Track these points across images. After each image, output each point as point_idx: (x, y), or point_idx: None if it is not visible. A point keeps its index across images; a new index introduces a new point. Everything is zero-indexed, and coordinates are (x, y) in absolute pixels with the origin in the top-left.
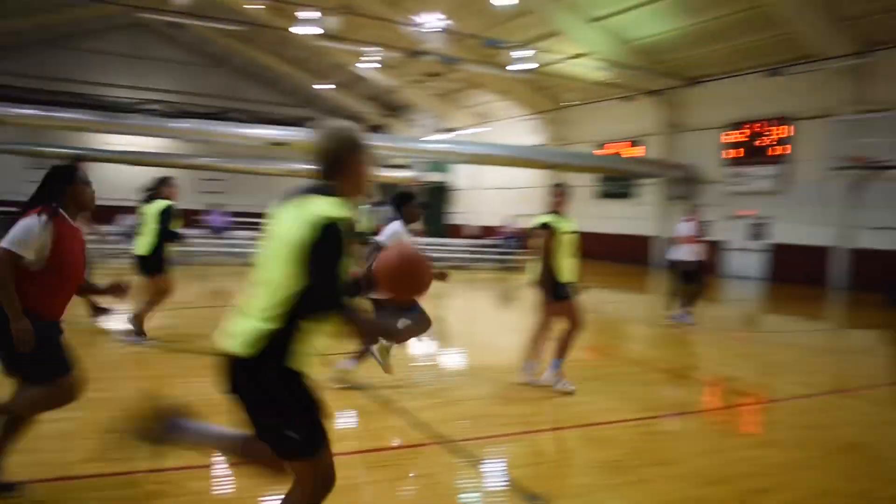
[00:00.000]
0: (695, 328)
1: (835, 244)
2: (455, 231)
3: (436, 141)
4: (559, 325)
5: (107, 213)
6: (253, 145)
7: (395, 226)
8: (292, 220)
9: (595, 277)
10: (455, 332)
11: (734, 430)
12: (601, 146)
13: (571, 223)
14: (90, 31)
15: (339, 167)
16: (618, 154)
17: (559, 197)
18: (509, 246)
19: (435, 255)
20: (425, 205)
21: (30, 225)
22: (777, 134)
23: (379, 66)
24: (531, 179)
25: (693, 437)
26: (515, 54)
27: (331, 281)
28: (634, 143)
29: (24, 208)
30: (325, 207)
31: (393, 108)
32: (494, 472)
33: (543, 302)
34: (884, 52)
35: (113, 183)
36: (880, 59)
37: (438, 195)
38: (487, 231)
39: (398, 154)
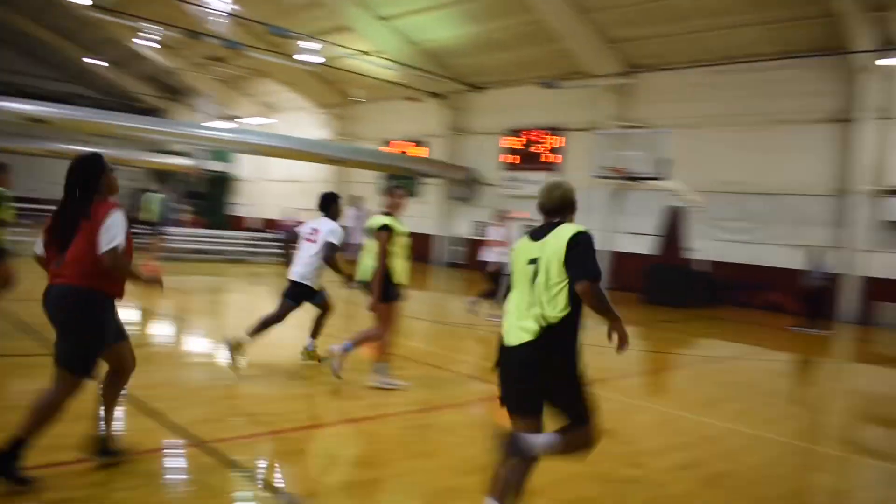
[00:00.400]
0: (477, 323)
1: (600, 248)
2: (236, 223)
3: (218, 128)
4: (372, 323)
5: None
6: (5, 121)
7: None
8: (555, 243)
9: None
10: (229, 328)
11: (493, 421)
12: (387, 144)
13: (405, 225)
14: None
15: (569, 207)
16: (403, 153)
17: (397, 199)
18: (291, 239)
19: (212, 247)
20: (204, 195)
21: (120, 219)
22: (550, 143)
23: (158, 45)
24: (317, 174)
25: (455, 429)
26: (303, 45)
27: (592, 264)
28: (419, 143)
29: (75, 204)
30: (573, 229)
31: (173, 91)
32: (249, 474)
33: (373, 302)
34: (644, 74)
35: None
36: (640, 80)
37: (220, 185)
38: (269, 224)
39: (177, 140)
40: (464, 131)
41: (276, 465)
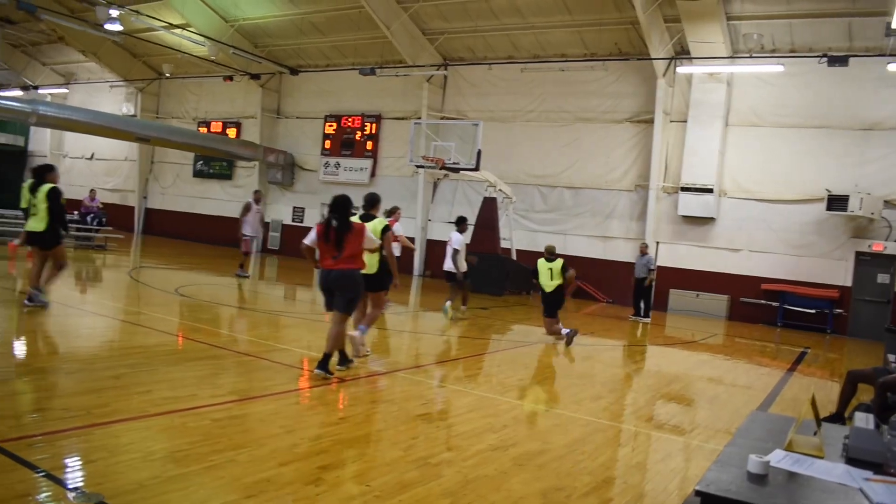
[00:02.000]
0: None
1: (416, 236)
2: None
3: (9, 98)
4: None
5: None
6: None
7: None
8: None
9: (189, 259)
10: (24, 318)
11: (312, 410)
12: (201, 124)
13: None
14: None
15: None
16: (218, 134)
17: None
18: (93, 222)
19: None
20: None
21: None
22: (368, 129)
23: None
24: (122, 151)
25: (271, 419)
26: (108, 12)
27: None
28: (234, 125)
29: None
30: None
31: None
32: (46, 475)
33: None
34: (458, 66)
35: None
36: (455, 72)
37: (12, 161)
38: (70, 205)
39: None
40: (283, 114)
41: (78, 464)
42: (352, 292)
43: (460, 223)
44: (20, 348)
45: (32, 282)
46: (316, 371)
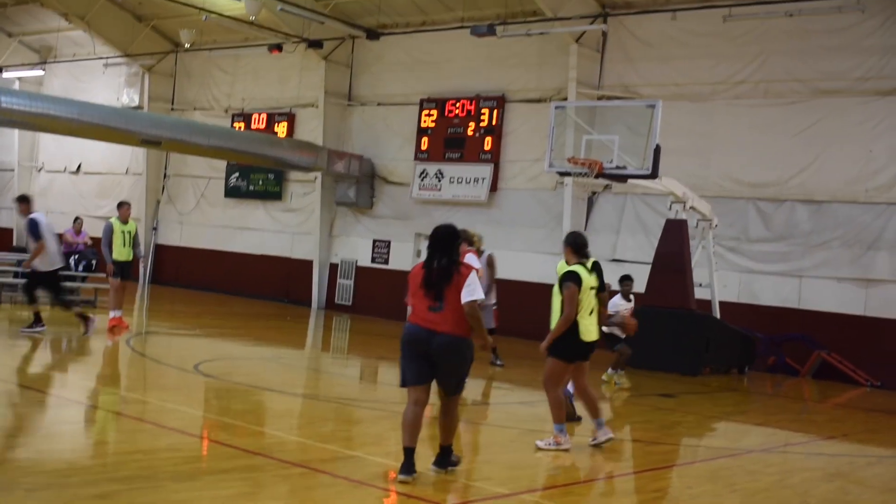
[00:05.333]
0: None
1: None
2: None
3: None
4: None
5: None
6: None
7: None
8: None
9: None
10: None
11: None
12: (237, 118)
13: None
14: None
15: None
16: (262, 132)
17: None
18: (79, 266)
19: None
20: None
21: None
22: (486, 119)
23: None
24: (121, 161)
25: None
26: None
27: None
28: (285, 118)
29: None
30: None
31: None
32: None
33: None
34: (624, 16)
35: None
36: (619, 25)
37: None
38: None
39: None
40: (355, 100)
41: None
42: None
43: (624, 282)
44: None
45: None
46: (432, 469)
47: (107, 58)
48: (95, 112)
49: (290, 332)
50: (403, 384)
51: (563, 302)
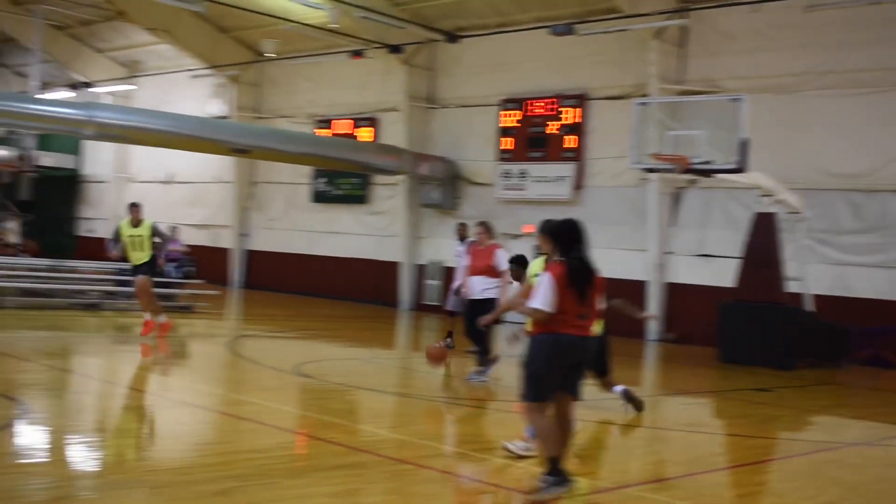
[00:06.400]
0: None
1: (647, 277)
2: (89, 248)
3: (50, 101)
4: None
5: None
6: None
7: None
8: None
9: (310, 323)
10: (82, 411)
11: None
12: (320, 124)
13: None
14: None
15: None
16: (346, 137)
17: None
18: (173, 273)
19: (50, 285)
20: (34, 204)
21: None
22: (568, 117)
23: None
24: (210, 171)
25: None
26: None
27: None
28: (368, 123)
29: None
30: None
31: None
32: None
33: None
34: (705, 11)
35: None
36: (700, 20)
37: (60, 190)
38: None
39: None
40: (437, 103)
41: None
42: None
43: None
44: (84, 454)
45: None
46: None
47: (193, 69)
48: (185, 123)
49: (382, 333)
50: (541, 398)
51: None
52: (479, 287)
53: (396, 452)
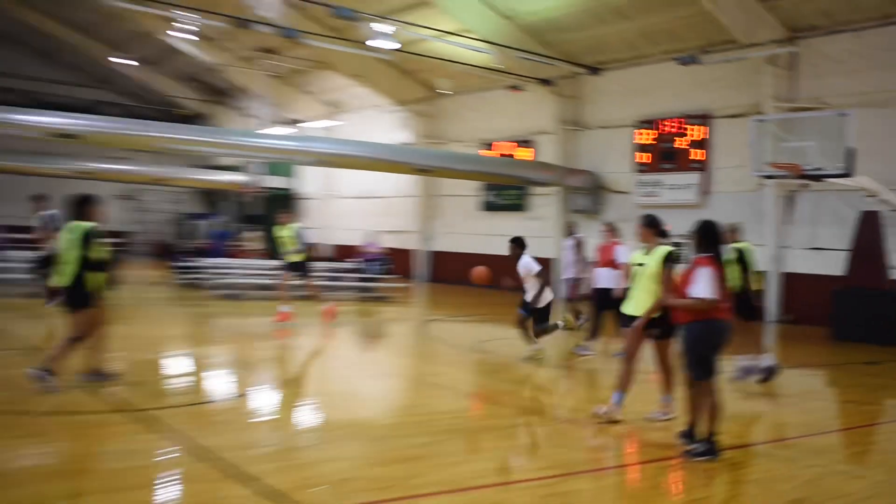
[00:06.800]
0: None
1: (768, 267)
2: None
3: (274, 136)
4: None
5: None
6: (28, 137)
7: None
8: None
9: (482, 309)
10: (307, 379)
11: (653, 490)
12: (485, 146)
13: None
14: None
15: None
16: (507, 156)
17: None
18: (373, 270)
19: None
20: (261, 218)
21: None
22: (694, 134)
23: (197, 37)
24: (398, 187)
25: (603, 497)
26: (373, 28)
27: None
28: (524, 144)
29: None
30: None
31: (217, 91)
32: None
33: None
34: (811, 39)
35: None
36: (807, 47)
37: (281, 206)
38: (343, 251)
39: (225, 152)
40: (582, 125)
41: None
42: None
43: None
44: (309, 414)
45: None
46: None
47: (382, 106)
48: (379, 150)
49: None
50: (710, 376)
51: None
52: (604, 277)
53: (563, 415)
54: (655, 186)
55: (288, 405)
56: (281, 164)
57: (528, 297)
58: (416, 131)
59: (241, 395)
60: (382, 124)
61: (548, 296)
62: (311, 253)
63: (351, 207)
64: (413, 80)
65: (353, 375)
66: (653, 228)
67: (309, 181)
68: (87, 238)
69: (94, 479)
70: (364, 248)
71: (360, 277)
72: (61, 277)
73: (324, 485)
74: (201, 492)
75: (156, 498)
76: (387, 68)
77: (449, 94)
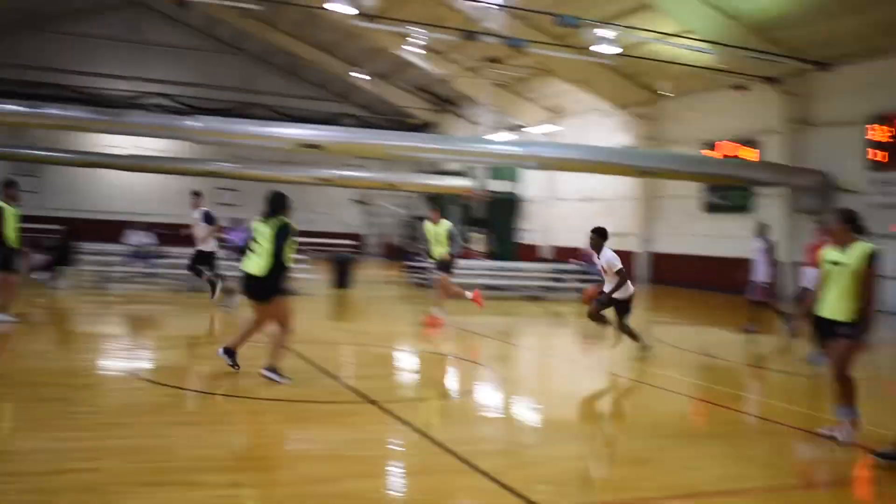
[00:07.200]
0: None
1: None
2: (527, 253)
3: (498, 142)
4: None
5: (111, 229)
6: (277, 148)
7: None
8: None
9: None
10: (530, 378)
11: None
12: (707, 147)
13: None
14: (79, 11)
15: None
16: (731, 157)
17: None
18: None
19: (502, 281)
20: (486, 220)
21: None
22: None
23: (427, 50)
24: (618, 189)
25: None
26: (595, 34)
27: None
28: (749, 144)
29: None
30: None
31: (445, 101)
32: None
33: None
34: None
35: (109, 193)
36: None
37: (505, 209)
38: (565, 253)
39: (452, 158)
40: (810, 123)
41: None
42: None
43: None
44: (534, 412)
45: None
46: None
47: (603, 110)
48: (601, 153)
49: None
50: None
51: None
52: (809, 276)
53: (802, 423)
54: (893, 185)
55: (512, 403)
56: (505, 169)
57: (607, 288)
58: (637, 133)
59: (467, 392)
60: (603, 128)
61: (629, 289)
62: (461, 252)
63: (572, 210)
64: (634, 83)
65: (574, 375)
66: (850, 224)
67: (531, 185)
68: (285, 233)
69: (347, 464)
70: (584, 251)
71: (580, 279)
72: (253, 267)
73: (555, 483)
74: (440, 483)
75: (400, 484)
76: (608, 72)
77: (670, 95)
